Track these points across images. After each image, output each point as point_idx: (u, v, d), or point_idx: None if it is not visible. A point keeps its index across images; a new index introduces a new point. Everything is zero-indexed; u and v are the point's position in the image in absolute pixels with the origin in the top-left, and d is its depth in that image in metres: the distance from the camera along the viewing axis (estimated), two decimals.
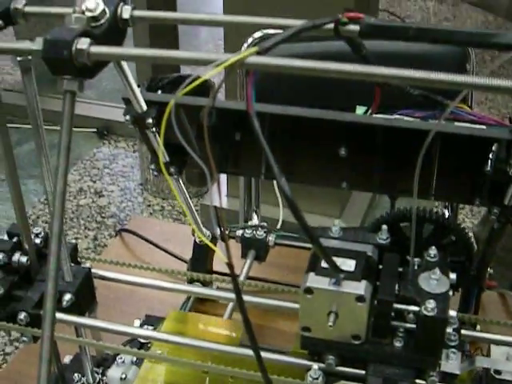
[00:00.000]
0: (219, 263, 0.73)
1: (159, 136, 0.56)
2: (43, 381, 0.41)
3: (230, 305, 0.72)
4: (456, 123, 0.52)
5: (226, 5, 1.56)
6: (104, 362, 0.62)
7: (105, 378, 0.61)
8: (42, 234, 0.57)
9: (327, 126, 0.53)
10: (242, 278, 0.74)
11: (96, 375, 0.63)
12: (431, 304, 0.45)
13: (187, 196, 0.67)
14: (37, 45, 0.38)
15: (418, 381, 0.47)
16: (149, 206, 2.15)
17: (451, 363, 0.46)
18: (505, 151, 0.50)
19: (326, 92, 0.68)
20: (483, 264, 0.62)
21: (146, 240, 0.88)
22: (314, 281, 0.46)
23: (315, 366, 0.48)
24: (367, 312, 0.46)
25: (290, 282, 0.70)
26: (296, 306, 0.48)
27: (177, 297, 0.74)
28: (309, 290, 0.46)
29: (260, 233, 0.75)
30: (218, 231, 0.72)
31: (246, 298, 0.57)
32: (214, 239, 0.72)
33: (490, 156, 0.50)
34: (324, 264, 0.47)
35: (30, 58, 0.44)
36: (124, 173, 2.33)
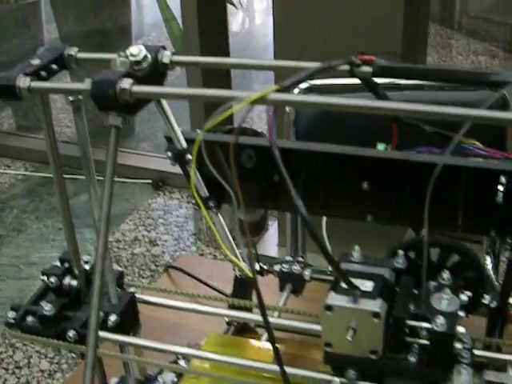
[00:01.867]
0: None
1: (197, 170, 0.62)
2: None
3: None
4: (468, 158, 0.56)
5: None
6: (147, 382, 0.67)
7: None
8: (91, 261, 0.63)
9: (350, 161, 0.58)
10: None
11: None
12: (440, 320, 0.48)
13: (226, 230, 0.72)
14: (86, 85, 0.44)
15: None
16: (202, 254, 2.20)
17: (462, 378, 0.50)
18: None
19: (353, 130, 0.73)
20: (505, 296, 0.65)
21: (191, 275, 0.93)
22: (334, 298, 0.51)
23: (337, 379, 0.52)
24: (383, 328, 0.50)
25: None
26: None
27: (218, 328, 0.79)
28: (329, 307, 0.51)
29: (296, 267, 0.80)
30: (256, 266, 0.77)
31: (277, 322, 0.62)
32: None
33: (499, 188, 0.54)
34: (344, 285, 0.51)
35: (80, 97, 0.50)
36: (178, 223, 2.40)
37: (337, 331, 0.51)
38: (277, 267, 0.81)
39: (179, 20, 2.28)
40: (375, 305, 0.50)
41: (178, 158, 0.61)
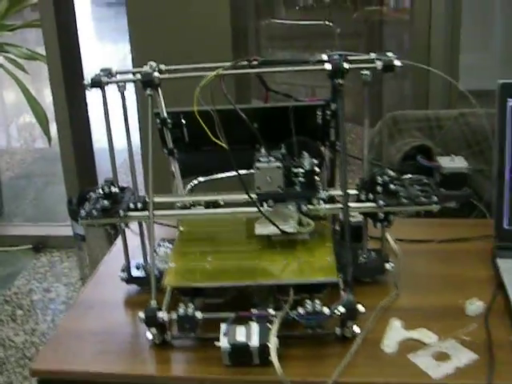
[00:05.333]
0: None
1: None
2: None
3: None
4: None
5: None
6: None
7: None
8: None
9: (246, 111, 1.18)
10: None
11: None
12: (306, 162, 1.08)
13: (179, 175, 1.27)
14: None
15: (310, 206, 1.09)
16: None
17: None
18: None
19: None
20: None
21: None
22: (261, 162, 1.09)
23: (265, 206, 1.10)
24: (282, 174, 1.08)
25: None
26: None
27: None
28: (257, 168, 1.08)
29: None
30: None
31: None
32: None
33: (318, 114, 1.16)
34: (263, 157, 1.10)
35: None
36: (64, 273, 2.85)
37: (262, 179, 1.09)
38: None
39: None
40: (277, 164, 1.08)
41: (161, 123, 1.17)
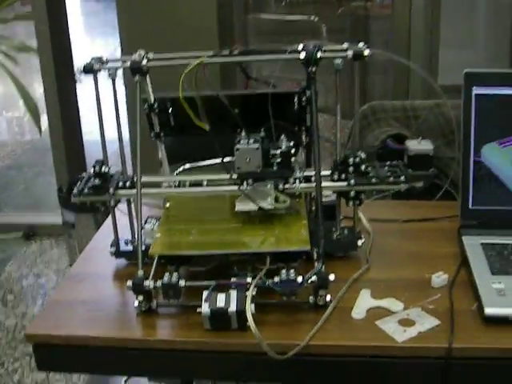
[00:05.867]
0: None
1: None
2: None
3: None
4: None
5: None
6: None
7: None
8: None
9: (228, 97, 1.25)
10: None
11: None
12: (283, 147, 1.17)
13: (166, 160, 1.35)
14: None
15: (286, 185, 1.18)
16: None
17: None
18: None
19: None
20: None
21: None
22: (241, 144, 1.17)
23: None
24: (260, 155, 1.16)
25: None
26: None
27: None
28: (237, 149, 1.16)
29: None
30: None
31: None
32: None
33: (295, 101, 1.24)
34: (244, 140, 1.18)
35: None
36: (54, 260, 2.92)
37: (241, 160, 1.17)
38: None
39: None
40: (256, 146, 1.17)
41: (149, 108, 1.25)
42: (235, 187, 1.18)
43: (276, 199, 1.17)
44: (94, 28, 8.45)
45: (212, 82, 1.17)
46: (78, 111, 3.00)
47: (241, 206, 1.19)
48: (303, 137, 1.28)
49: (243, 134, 1.20)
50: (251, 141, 1.18)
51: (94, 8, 9.27)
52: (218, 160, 1.21)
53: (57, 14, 2.75)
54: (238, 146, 1.17)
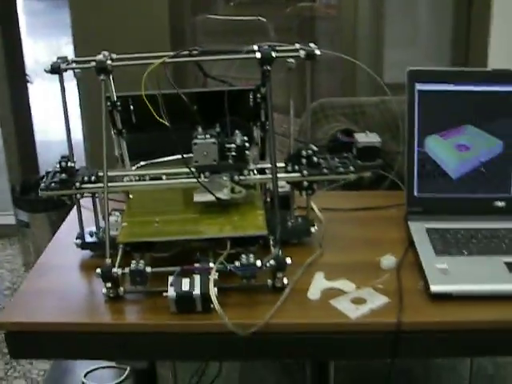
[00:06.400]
0: None
1: None
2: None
3: None
4: None
5: None
6: None
7: None
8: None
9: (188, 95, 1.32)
10: None
11: None
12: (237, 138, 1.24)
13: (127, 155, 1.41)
14: None
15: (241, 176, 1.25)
16: None
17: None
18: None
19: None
20: None
21: None
22: (199, 138, 1.23)
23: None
24: (218, 149, 1.23)
25: None
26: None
27: None
28: (195, 144, 1.23)
29: None
30: None
31: None
32: None
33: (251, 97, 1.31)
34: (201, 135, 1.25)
35: None
36: (8, 260, 2.94)
37: (199, 154, 1.23)
38: None
39: None
40: (212, 140, 1.23)
41: (112, 106, 1.30)
42: (193, 180, 1.25)
43: (232, 190, 1.25)
44: (36, 28, 8.35)
45: (172, 81, 1.23)
46: (30, 112, 3.01)
47: (199, 197, 1.26)
48: (257, 131, 1.36)
49: (200, 129, 1.26)
50: (208, 136, 1.25)
51: (35, 7, 9.13)
52: (173, 157, 1.28)
53: (8, 14, 2.77)
54: (195, 141, 1.24)
